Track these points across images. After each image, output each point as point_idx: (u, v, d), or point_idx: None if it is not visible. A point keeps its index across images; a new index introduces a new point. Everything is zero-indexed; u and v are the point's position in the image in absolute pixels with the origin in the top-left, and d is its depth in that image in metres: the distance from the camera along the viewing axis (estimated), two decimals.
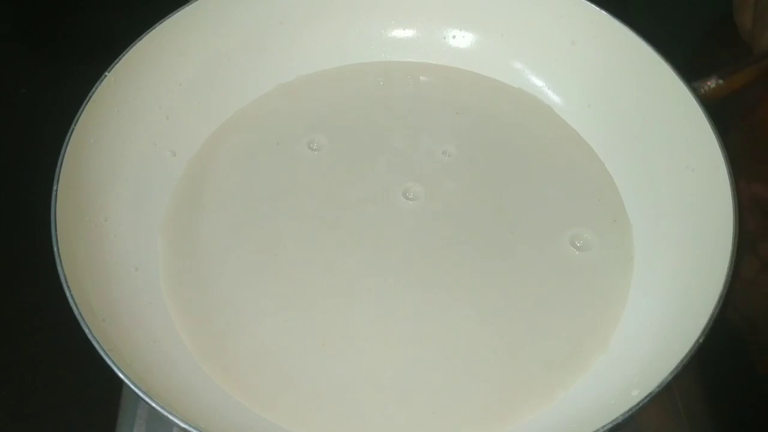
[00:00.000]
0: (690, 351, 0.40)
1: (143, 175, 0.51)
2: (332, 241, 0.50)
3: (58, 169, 0.45)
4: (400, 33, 0.60)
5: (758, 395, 0.50)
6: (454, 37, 0.59)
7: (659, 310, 0.46)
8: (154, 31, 0.52)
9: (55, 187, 0.45)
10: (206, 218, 0.52)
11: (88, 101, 0.48)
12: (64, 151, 0.46)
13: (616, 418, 0.38)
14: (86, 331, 0.40)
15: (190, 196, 0.52)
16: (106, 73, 0.49)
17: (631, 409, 0.38)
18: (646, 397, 0.39)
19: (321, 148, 0.55)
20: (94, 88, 0.49)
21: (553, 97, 0.57)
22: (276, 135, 0.56)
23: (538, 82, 0.58)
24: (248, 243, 0.50)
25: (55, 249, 0.42)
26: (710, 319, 0.40)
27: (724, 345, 0.47)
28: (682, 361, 0.39)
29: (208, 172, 0.54)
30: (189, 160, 0.54)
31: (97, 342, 0.40)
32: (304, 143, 0.55)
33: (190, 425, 0.38)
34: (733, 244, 0.43)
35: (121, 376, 0.39)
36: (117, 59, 0.50)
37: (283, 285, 0.49)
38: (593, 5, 0.54)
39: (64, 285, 0.41)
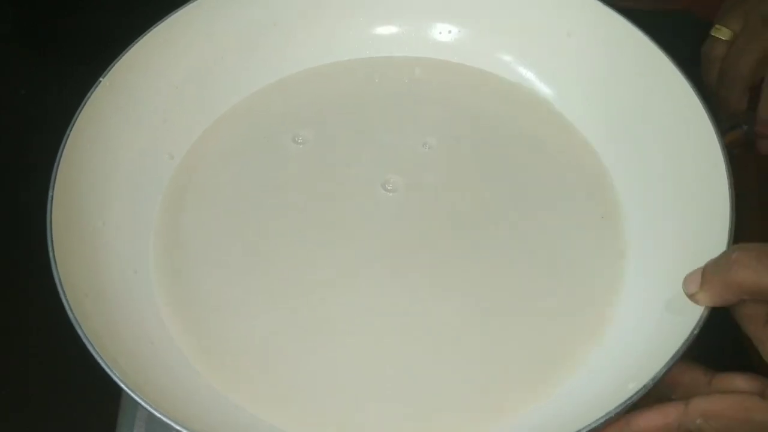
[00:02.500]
0: (684, 343, 0.40)
1: (141, 178, 0.52)
2: (315, 240, 0.50)
3: (53, 174, 0.46)
4: (390, 28, 0.59)
5: None
6: (450, 32, 0.59)
7: (655, 304, 0.45)
8: (149, 34, 0.52)
9: (51, 193, 0.45)
10: (196, 218, 0.52)
11: (83, 106, 0.48)
12: (60, 156, 0.46)
13: (610, 412, 0.38)
14: (82, 336, 0.40)
15: (180, 196, 0.52)
16: (101, 78, 0.50)
17: (624, 402, 0.39)
18: (640, 389, 0.39)
19: (306, 143, 0.55)
20: (89, 94, 0.49)
21: (548, 90, 0.57)
22: (263, 132, 0.56)
23: (532, 75, 0.57)
24: (238, 242, 0.51)
25: (51, 255, 0.43)
26: (704, 311, 0.40)
27: (724, 344, 0.47)
28: (677, 353, 0.39)
29: (198, 171, 0.54)
30: (180, 160, 0.54)
31: (93, 347, 0.40)
32: (290, 138, 0.55)
33: (188, 429, 0.38)
34: (730, 237, 0.43)
35: (119, 383, 0.39)
36: (112, 64, 0.50)
37: (274, 283, 0.49)
38: None
39: (60, 290, 0.42)
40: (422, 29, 0.59)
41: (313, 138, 0.55)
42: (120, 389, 0.40)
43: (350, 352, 0.46)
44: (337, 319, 0.47)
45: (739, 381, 0.40)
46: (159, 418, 0.39)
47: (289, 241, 0.51)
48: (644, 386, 0.39)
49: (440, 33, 0.59)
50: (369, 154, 0.54)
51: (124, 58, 0.51)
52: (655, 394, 0.39)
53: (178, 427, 0.38)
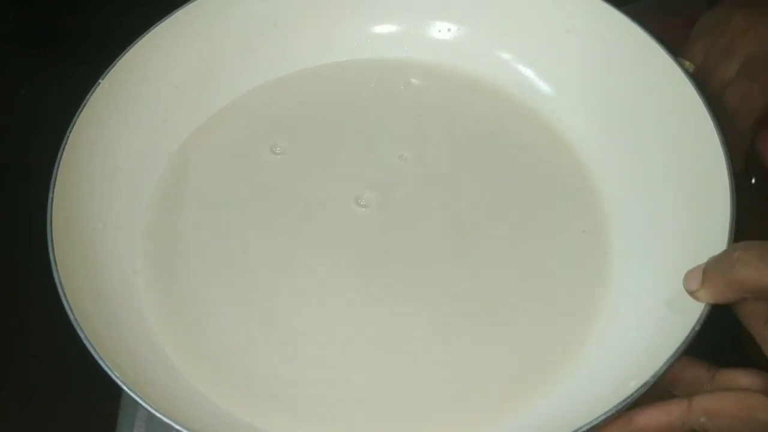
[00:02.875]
0: (685, 340, 0.40)
1: (141, 179, 0.52)
2: (307, 243, 0.51)
3: (54, 176, 0.46)
4: (389, 27, 0.59)
5: None
6: (449, 30, 0.59)
7: (655, 302, 0.45)
8: (147, 35, 0.52)
9: (51, 195, 0.45)
10: (190, 219, 0.52)
11: (82, 108, 0.48)
12: (60, 158, 0.46)
13: (610, 410, 0.39)
14: (82, 337, 0.40)
15: (176, 197, 0.52)
16: (101, 80, 0.50)
17: (625, 400, 0.39)
18: (641, 386, 0.39)
19: (284, 152, 0.55)
20: (88, 95, 0.49)
21: (547, 88, 0.57)
22: (260, 134, 0.55)
23: (532, 73, 0.57)
24: (227, 247, 0.51)
25: (52, 257, 0.43)
26: (705, 307, 0.41)
27: (725, 342, 0.47)
28: (677, 350, 0.40)
29: (195, 172, 0.54)
30: (167, 160, 0.54)
31: (93, 348, 0.40)
32: (268, 147, 0.55)
33: (188, 429, 0.38)
34: (730, 237, 0.43)
35: (120, 384, 0.39)
36: (111, 65, 0.50)
37: (260, 289, 0.49)
38: None
39: (61, 292, 0.42)
40: (422, 28, 0.59)
41: (290, 147, 0.55)
42: (120, 389, 0.40)
43: (349, 357, 0.46)
44: (334, 323, 0.47)
45: (742, 378, 0.40)
46: (159, 419, 0.39)
47: (278, 246, 0.51)
48: (645, 383, 0.39)
49: (439, 31, 0.59)
50: (351, 166, 0.54)
51: (123, 59, 0.51)
52: (656, 392, 0.40)
53: (178, 427, 0.38)
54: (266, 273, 0.50)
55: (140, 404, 0.39)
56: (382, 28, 0.59)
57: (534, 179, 0.53)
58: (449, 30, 0.59)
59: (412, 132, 0.56)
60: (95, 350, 0.40)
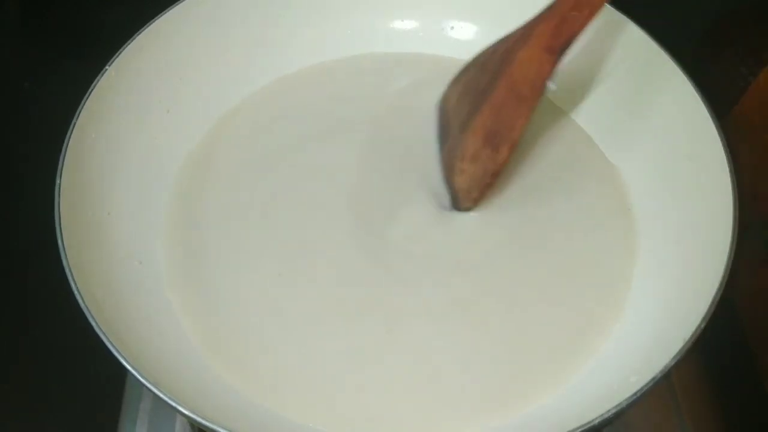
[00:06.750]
0: (692, 336, 0.40)
1: (145, 169, 0.52)
2: (323, 231, 0.51)
3: (60, 164, 0.46)
4: (398, 24, 0.60)
5: (760, 391, 0.50)
6: (452, 28, 0.60)
7: (662, 298, 0.46)
8: (154, 24, 0.52)
9: (58, 182, 0.45)
10: (206, 210, 0.52)
11: (89, 95, 0.48)
12: (66, 146, 0.46)
13: (620, 403, 0.39)
14: (92, 322, 0.40)
15: (190, 189, 0.52)
16: (107, 67, 0.50)
17: (634, 394, 0.39)
18: (649, 381, 0.39)
19: (317, 141, 0.55)
20: (95, 82, 0.49)
21: (551, 87, 0.57)
22: (274, 128, 0.56)
23: None
24: (248, 235, 0.50)
25: (60, 242, 0.43)
26: (711, 305, 0.41)
27: (726, 340, 0.47)
28: (684, 346, 0.40)
29: (208, 164, 0.54)
30: (190, 152, 0.54)
31: (103, 333, 0.40)
32: (301, 136, 0.55)
33: (195, 414, 0.38)
34: (734, 231, 0.43)
35: (127, 366, 0.39)
36: (117, 53, 0.50)
37: (285, 277, 0.49)
38: None
39: (69, 278, 0.42)
40: (432, 25, 0.60)
41: (323, 136, 0.55)
42: (123, 383, 0.39)
43: (360, 343, 0.46)
44: (344, 312, 0.47)
45: None
46: (162, 411, 0.39)
47: (295, 233, 0.51)
48: (653, 378, 0.39)
49: (452, 28, 0.60)
50: (380, 157, 0.54)
51: (128, 47, 0.51)
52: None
53: (186, 412, 0.38)
54: (276, 268, 0.49)
55: (144, 396, 0.39)
56: (396, 24, 0.60)
57: (551, 173, 0.53)
58: (452, 28, 0.60)
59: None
60: (105, 337, 0.40)
